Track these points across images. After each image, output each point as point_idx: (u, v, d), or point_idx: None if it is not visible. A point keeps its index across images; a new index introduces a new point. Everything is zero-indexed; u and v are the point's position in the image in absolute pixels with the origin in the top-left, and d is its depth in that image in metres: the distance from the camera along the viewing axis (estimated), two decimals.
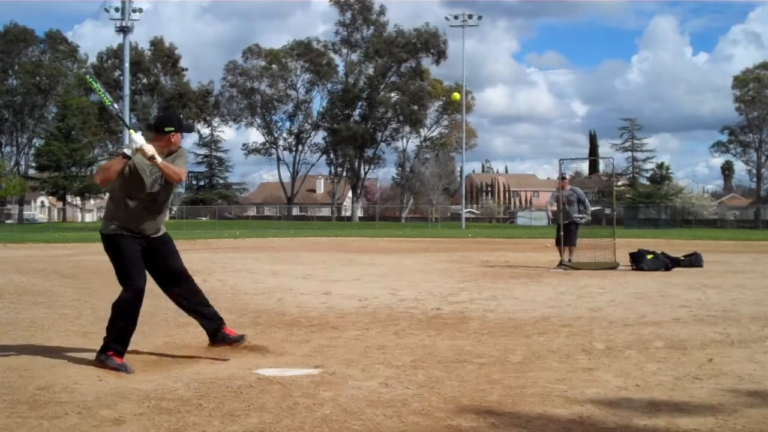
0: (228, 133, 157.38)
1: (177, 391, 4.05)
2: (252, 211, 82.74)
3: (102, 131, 70.95)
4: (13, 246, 22.87)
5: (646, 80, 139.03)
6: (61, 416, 3.56)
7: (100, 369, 4.55)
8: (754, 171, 71.32)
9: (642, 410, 3.72)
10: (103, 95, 4.86)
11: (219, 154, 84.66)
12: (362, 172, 77.85)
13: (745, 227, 50.91)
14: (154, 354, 5.07)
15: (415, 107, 73.07)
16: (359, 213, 77.47)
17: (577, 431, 3.41)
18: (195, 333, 5.79)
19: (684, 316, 6.94)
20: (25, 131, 71.37)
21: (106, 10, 45.21)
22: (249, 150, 78.95)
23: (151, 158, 4.53)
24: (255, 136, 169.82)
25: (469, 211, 72.23)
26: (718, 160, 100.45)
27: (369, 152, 76.84)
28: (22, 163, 71.81)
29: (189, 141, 78.90)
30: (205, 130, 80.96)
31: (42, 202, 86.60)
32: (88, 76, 4.85)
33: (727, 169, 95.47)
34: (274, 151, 78.31)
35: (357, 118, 75.43)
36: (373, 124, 75.31)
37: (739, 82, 68.02)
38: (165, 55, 74.82)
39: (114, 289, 8.79)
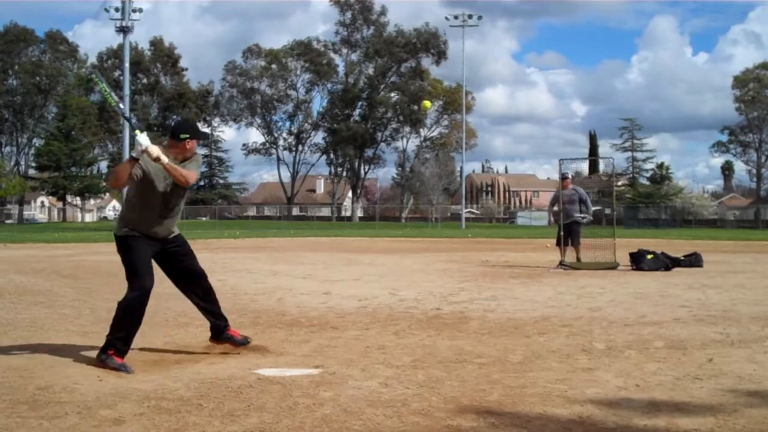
0: (228, 133, 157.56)
1: (177, 391, 4.05)
2: (252, 211, 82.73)
3: (102, 131, 70.99)
4: (13, 246, 22.87)
5: (646, 80, 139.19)
6: (61, 416, 3.56)
7: (100, 369, 4.55)
8: (754, 171, 71.38)
9: (642, 410, 3.72)
10: (108, 95, 4.84)
11: (219, 154, 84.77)
12: (362, 172, 77.87)
13: (745, 227, 50.90)
14: (154, 354, 5.07)
15: (415, 107, 73.05)
16: (359, 213, 77.46)
17: (577, 431, 3.41)
18: (195, 333, 5.80)
19: (684, 316, 6.94)
20: (25, 131, 71.40)
21: (106, 10, 45.22)
22: (249, 150, 79.04)
23: (156, 159, 4.53)
24: (255, 136, 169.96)
25: (469, 211, 72.24)
26: (718, 160, 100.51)
27: (369, 152, 76.92)
28: (22, 163, 71.86)
29: None
30: (205, 130, 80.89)
31: (42, 202, 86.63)
32: (94, 75, 4.86)
33: (727, 169, 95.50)
34: (274, 151, 78.43)
35: (357, 118, 75.44)
36: (373, 124, 75.32)
37: (739, 82, 68.03)
38: (165, 55, 74.88)
39: (114, 289, 8.73)
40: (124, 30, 42.44)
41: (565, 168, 13.70)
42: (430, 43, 71.97)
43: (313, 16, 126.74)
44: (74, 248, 21.14)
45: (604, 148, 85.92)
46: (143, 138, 4.55)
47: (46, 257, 16.58)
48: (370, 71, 75.30)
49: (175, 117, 76.07)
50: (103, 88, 4.86)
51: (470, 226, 52.73)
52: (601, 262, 12.66)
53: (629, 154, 71.37)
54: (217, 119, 80.00)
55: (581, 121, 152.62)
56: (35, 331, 6.06)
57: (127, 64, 42.73)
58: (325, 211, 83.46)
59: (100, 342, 5.20)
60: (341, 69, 76.26)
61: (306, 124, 78.08)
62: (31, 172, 70.64)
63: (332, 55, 75.76)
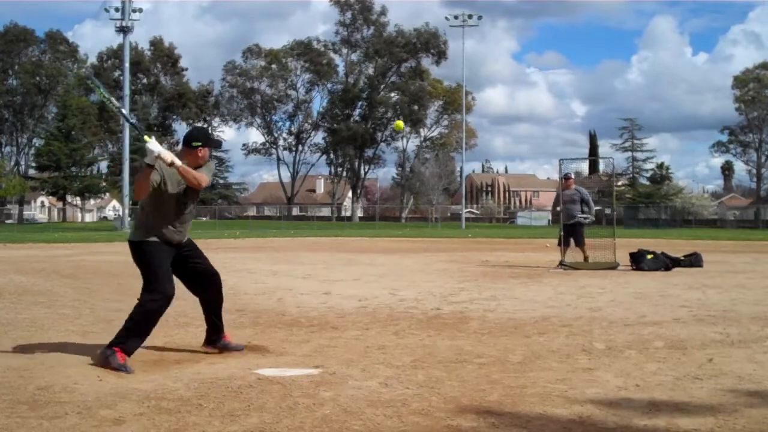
0: (228, 133, 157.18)
1: (177, 391, 4.05)
2: (252, 211, 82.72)
3: (102, 131, 70.97)
4: (13, 246, 22.86)
5: (645, 80, 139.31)
6: (61, 416, 3.55)
7: (100, 369, 4.55)
8: (754, 171, 71.36)
9: (642, 410, 3.72)
10: (108, 101, 4.83)
11: (219, 154, 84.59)
12: (362, 172, 77.86)
13: (745, 227, 50.92)
14: (154, 354, 5.07)
15: (416, 107, 73.07)
16: (359, 213, 77.46)
17: (577, 431, 3.41)
18: (195, 333, 5.79)
19: (684, 316, 6.94)
20: (25, 131, 71.36)
21: (106, 10, 45.27)
22: (249, 150, 79.04)
23: (171, 164, 4.57)
24: (255, 136, 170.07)
25: (469, 211, 72.26)
26: (718, 160, 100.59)
27: (369, 152, 76.91)
28: (22, 163, 71.82)
29: None
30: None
31: (42, 202, 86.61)
32: (90, 81, 4.83)
33: (727, 169, 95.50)
34: (274, 151, 78.43)
35: (357, 118, 75.42)
36: (373, 124, 75.30)
37: (739, 82, 68.01)
38: (165, 55, 74.82)
39: (113, 289, 8.74)
40: (124, 30, 42.47)
41: (565, 168, 13.69)
42: (430, 43, 71.97)
43: (313, 16, 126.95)
44: (74, 248, 21.14)
45: (604, 148, 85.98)
46: (154, 144, 4.55)
47: (46, 257, 16.58)
48: (370, 71, 75.31)
49: (175, 117, 76.21)
50: (102, 93, 4.85)
51: (470, 226, 52.74)
52: (601, 262, 12.66)
53: (629, 154, 71.38)
54: (217, 119, 80.00)
55: (581, 121, 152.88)
56: (35, 331, 6.05)
57: (127, 64, 42.76)
58: (325, 211, 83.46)
59: (100, 342, 5.20)
60: (341, 69, 76.39)
61: (306, 124, 78.14)
62: (31, 172, 70.61)
63: (332, 55, 75.88)
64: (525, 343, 5.54)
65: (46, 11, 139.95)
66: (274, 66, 75.34)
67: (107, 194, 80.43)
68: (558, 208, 13.07)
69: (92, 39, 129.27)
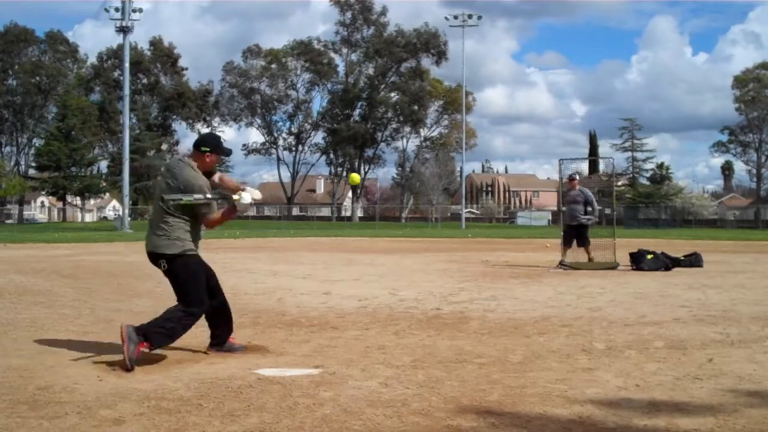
0: (228, 133, 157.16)
1: (177, 391, 4.05)
2: (252, 211, 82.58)
3: (102, 131, 70.95)
4: (13, 246, 22.85)
5: (645, 80, 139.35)
6: (61, 416, 3.56)
7: (100, 369, 4.55)
8: (754, 171, 71.33)
9: (642, 410, 3.72)
10: (190, 201, 4.84)
11: None
12: (362, 172, 77.83)
13: (745, 227, 50.94)
14: (154, 354, 5.06)
15: (416, 107, 73.06)
16: (359, 213, 77.45)
17: (577, 431, 3.41)
18: (195, 333, 5.78)
19: (684, 316, 6.94)
20: (25, 131, 71.34)
21: (106, 10, 45.21)
22: (249, 150, 78.98)
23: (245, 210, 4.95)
24: (255, 136, 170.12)
25: (469, 211, 72.25)
26: (718, 160, 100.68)
27: (369, 152, 76.89)
28: (22, 163, 71.80)
29: (189, 143, 78.86)
30: (205, 130, 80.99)
31: (42, 202, 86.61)
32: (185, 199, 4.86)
33: (727, 169, 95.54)
34: (274, 151, 78.40)
35: (357, 118, 75.40)
36: (373, 124, 75.29)
37: (739, 82, 68.00)
38: (164, 55, 74.77)
39: (113, 290, 8.74)
40: (124, 30, 42.44)
41: (565, 168, 13.71)
42: (430, 43, 71.95)
43: (313, 16, 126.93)
44: (74, 248, 21.14)
45: (604, 148, 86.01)
46: (247, 197, 4.80)
47: (46, 257, 16.58)
48: (370, 71, 75.28)
49: (174, 117, 76.15)
50: (188, 201, 4.87)
51: (470, 226, 52.74)
52: (601, 262, 12.67)
53: (629, 154, 71.37)
54: (217, 119, 79.99)
55: (581, 121, 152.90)
56: (35, 331, 6.05)
57: (127, 64, 42.73)
58: (325, 211, 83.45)
59: (100, 342, 5.21)
60: (341, 69, 76.37)
61: (306, 124, 78.11)
62: (31, 172, 70.59)
63: (332, 55, 75.85)
64: (525, 343, 5.54)
65: (46, 11, 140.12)
66: (274, 66, 75.33)
67: (107, 194, 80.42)
68: (564, 209, 13.04)
69: (92, 39, 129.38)
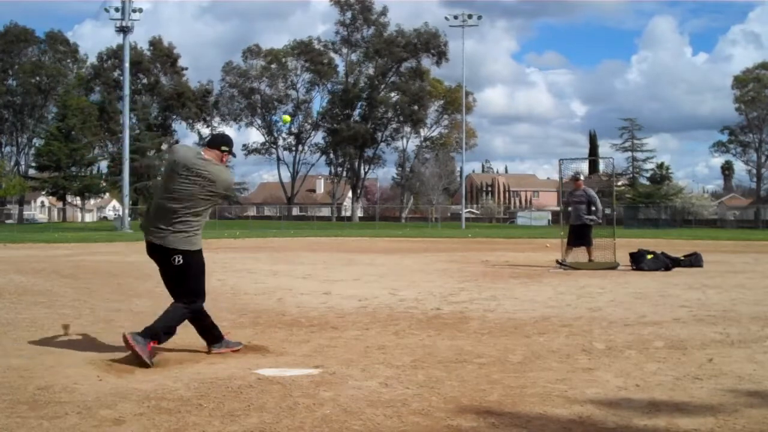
0: (228, 133, 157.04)
1: (177, 391, 4.05)
2: (252, 211, 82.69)
3: (102, 131, 70.94)
4: (13, 246, 22.86)
5: (645, 80, 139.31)
6: (61, 416, 3.56)
7: (100, 369, 4.55)
8: (754, 171, 71.31)
9: (642, 410, 3.72)
10: None
11: None
12: (362, 172, 77.85)
13: (745, 227, 50.93)
14: (156, 354, 5.06)
15: (416, 107, 73.04)
16: (359, 213, 77.44)
17: (577, 431, 3.41)
18: (195, 333, 5.78)
19: (684, 316, 6.94)
20: (25, 131, 71.32)
21: (106, 10, 45.20)
22: (249, 150, 78.95)
23: None
24: (255, 136, 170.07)
25: (469, 211, 72.24)
26: (718, 160, 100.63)
27: (369, 152, 76.87)
28: (22, 163, 71.79)
29: (189, 142, 78.86)
30: (205, 130, 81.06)
31: (42, 202, 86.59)
32: None
33: (727, 169, 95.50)
34: (274, 151, 78.40)
35: (357, 118, 75.38)
36: (373, 124, 75.28)
37: (739, 82, 67.98)
38: (164, 55, 74.75)
39: (113, 290, 8.73)
40: (124, 30, 42.44)
41: (565, 168, 13.71)
42: (430, 43, 71.92)
43: (313, 16, 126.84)
44: (74, 248, 21.14)
45: (604, 148, 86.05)
46: None
47: (46, 257, 16.58)
48: (370, 71, 75.25)
49: (174, 117, 76.10)
50: None
51: (470, 226, 52.73)
52: (601, 262, 12.67)
53: (629, 154, 71.27)
54: (217, 119, 79.96)
55: (581, 121, 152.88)
56: (35, 331, 6.05)
57: (127, 64, 42.72)
58: (325, 211, 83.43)
59: (100, 341, 5.21)
60: (341, 69, 76.35)
61: (306, 124, 78.10)
62: (31, 172, 70.56)
63: (332, 55, 75.83)
64: (525, 343, 5.54)
65: (46, 11, 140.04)
66: (273, 66, 75.32)
67: (107, 194, 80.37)
68: (569, 209, 13.03)
69: (92, 39, 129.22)
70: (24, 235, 32.71)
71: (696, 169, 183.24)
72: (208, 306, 5.26)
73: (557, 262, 12.76)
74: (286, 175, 78.93)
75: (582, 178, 13.57)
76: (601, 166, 62.55)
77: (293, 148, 77.94)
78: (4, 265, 13.71)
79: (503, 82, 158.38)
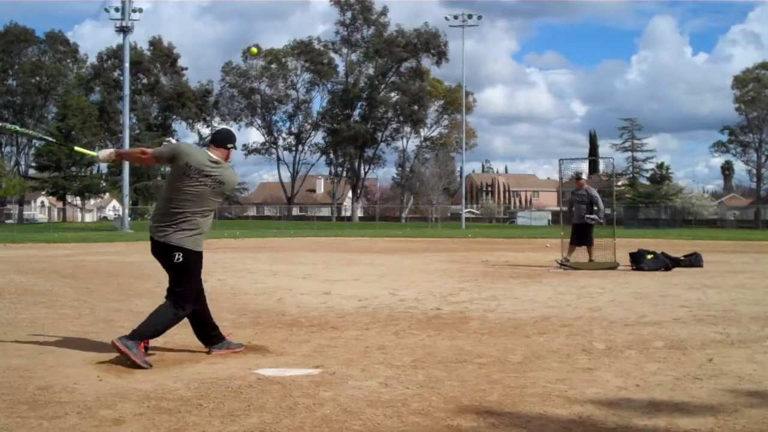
0: None
1: (177, 391, 4.05)
2: (252, 211, 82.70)
3: (102, 131, 70.95)
4: (13, 246, 22.86)
5: (645, 80, 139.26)
6: (61, 416, 3.55)
7: (100, 369, 4.55)
8: (754, 171, 71.33)
9: (642, 410, 3.72)
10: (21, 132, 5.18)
11: None
12: (362, 172, 77.84)
13: (745, 227, 50.91)
14: (154, 354, 5.06)
15: (416, 107, 73.03)
16: (359, 213, 77.43)
17: (577, 431, 3.41)
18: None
19: (684, 316, 6.94)
20: None
21: (106, 10, 45.23)
22: (249, 150, 78.93)
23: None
24: (255, 136, 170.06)
25: (469, 211, 72.24)
26: (718, 160, 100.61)
27: (369, 152, 76.87)
28: (22, 163, 71.81)
29: (189, 142, 78.80)
30: (205, 130, 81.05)
31: (42, 202, 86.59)
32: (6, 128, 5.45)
33: (727, 169, 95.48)
34: (274, 151, 78.40)
35: (357, 118, 75.38)
36: (373, 124, 75.27)
37: (739, 82, 67.99)
38: (164, 55, 74.76)
39: (113, 289, 8.71)
40: (124, 30, 42.45)
41: (565, 168, 13.71)
42: (430, 43, 71.92)
43: (312, 16, 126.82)
44: (74, 248, 21.14)
45: (604, 148, 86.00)
46: (103, 155, 5.28)
47: (46, 257, 16.58)
48: (370, 71, 75.25)
49: (174, 117, 76.12)
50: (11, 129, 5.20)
51: (470, 226, 52.73)
52: (601, 262, 12.67)
53: (629, 154, 71.32)
54: (217, 119, 79.92)
55: (581, 121, 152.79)
56: (35, 331, 6.05)
57: (127, 64, 42.73)
58: (325, 211, 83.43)
59: (100, 341, 5.20)
60: (341, 69, 76.34)
61: (306, 124, 78.10)
62: (31, 172, 70.60)
63: (332, 55, 75.83)
64: (525, 343, 5.54)
65: (46, 11, 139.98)
66: (273, 66, 75.31)
67: (107, 194, 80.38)
68: (573, 208, 13.04)
69: (92, 39, 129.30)
70: (24, 235, 32.71)
71: (696, 169, 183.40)
72: (209, 306, 5.26)
73: (558, 262, 12.74)
74: (286, 175, 79.05)
75: (584, 177, 13.56)
76: (601, 166, 62.55)
77: (293, 148, 78.04)
78: (4, 265, 13.71)
79: (503, 82, 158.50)
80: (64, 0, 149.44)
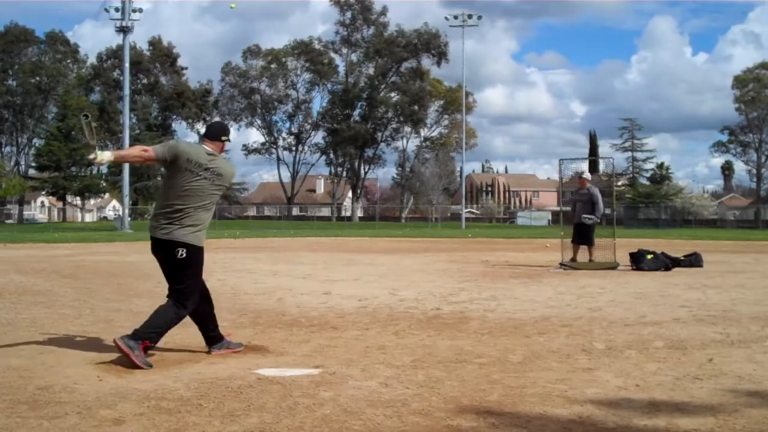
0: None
1: (177, 391, 4.05)
2: (252, 211, 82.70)
3: (102, 131, 70.88)
4: (13, 246, 22.86)
5: (645, 80, 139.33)
6: (61, 416, 3.55)
7: (100, 369, 4.55)
8: (754, 171, 71.35)
9: (642, 410, 3.72)
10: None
11: None
12: (362, 172, 77.84)
13: (745, 227, 50.92)
14: (154, 354, 5.06)
15: (416, 107, 73.03)
16: (359, 213, 77.42)
17: (577, 431, 3.41)
18: (195, 333, 5.78)
19: (684, 316, 6.94)
20: (25, 131, 71.35)
21: (106, 10, 45.21)
22: (249, 150, 78.97)
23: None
24: (255, 136, 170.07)
25: (469, 211, 72.24)
26: (718, 160, 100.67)
27: (369, 152, 76.88)
28: (22, 163, 71.83)
29: (189, 141, 78.63)
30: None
31: (42, 202, 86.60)
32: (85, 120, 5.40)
33: (727, 169, 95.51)
34: (274, 151, 78.39)
35: (357, 118, 75.38)
36: (373, 124, 75.27)
37: (739, 82, 68.01)
38: (164, 55, 74.76)
39: (113, 289, 8.71)
40: (124, 30, 42.45)
41: (565, 168, 13.71)
42: (430, 43, 71.92)
43: (312, 16, 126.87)
44: (74, 248, 21.14)
45: (604, 148, 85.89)
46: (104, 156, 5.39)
47: (46, 257, 16.58)
48: (371, 71, 75.25)
49: (174, 117, 76.12)
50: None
51: (470, 226, 52.74)
52: (601, 262, 12.67)
53: (629, 154, 71.37)
54: (217, 119, 79.81)
55: (581, 121, 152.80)
56: (35, 331, 6.05)
57: (127, 64, 42.73)
58: (325, 211, 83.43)
59: (101, 341, 5.20)
60: (341, 69, 76.34)
61: (306, 124, 78.10)
62: (31, 172, 70.60)
63: (332, 55, 75.83)
64: (525, 343, 5.54)
65: (46, 11, 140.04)
66: (273, 66, 75.30)
67: (107, 194, 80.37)
68: (576, 207, 13.04)
69: (92, 39, 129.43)
70: (24, 235, 32.71)
71: (696, 169, 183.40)
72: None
73: (561, 264, 12.71)
74: (286, 175, 79.05)
75: (586, 176, 13.56)
76: (601, 166, 62.40)
77: (293, 148, 78.05)
78: (4, 265, 13.71)
79: (503, 82, 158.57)
80: (64, 0, 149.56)
